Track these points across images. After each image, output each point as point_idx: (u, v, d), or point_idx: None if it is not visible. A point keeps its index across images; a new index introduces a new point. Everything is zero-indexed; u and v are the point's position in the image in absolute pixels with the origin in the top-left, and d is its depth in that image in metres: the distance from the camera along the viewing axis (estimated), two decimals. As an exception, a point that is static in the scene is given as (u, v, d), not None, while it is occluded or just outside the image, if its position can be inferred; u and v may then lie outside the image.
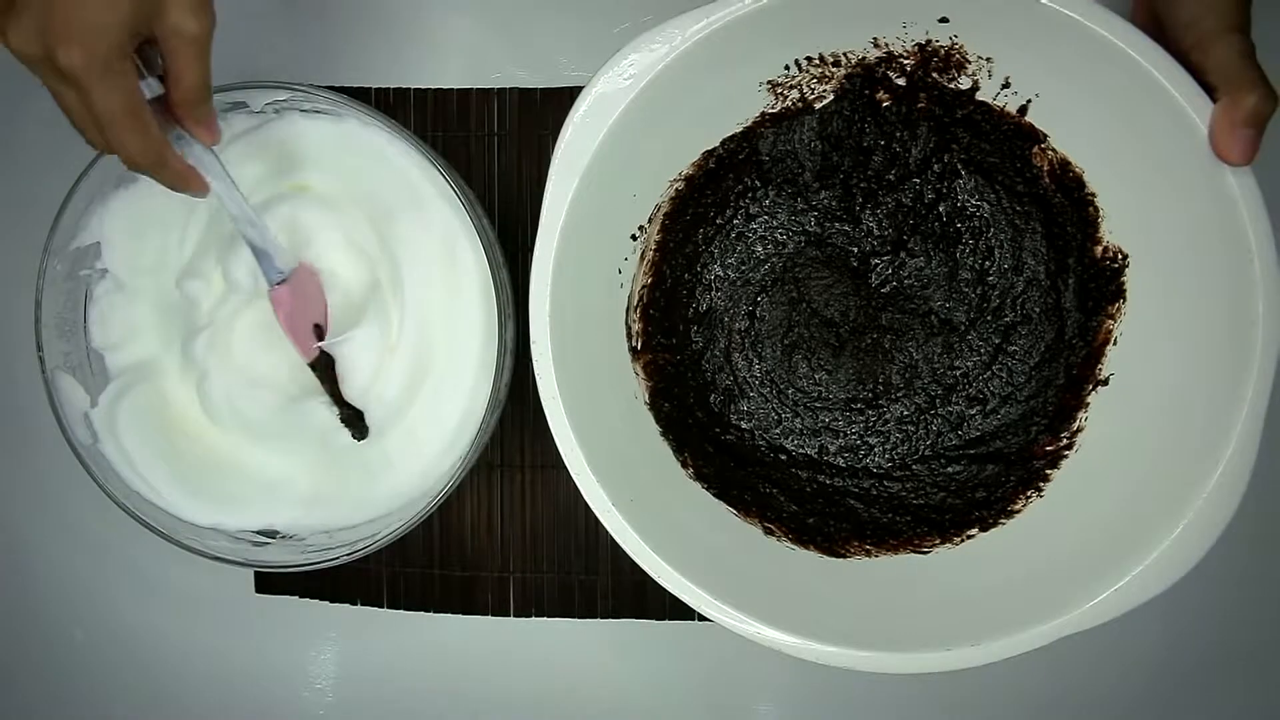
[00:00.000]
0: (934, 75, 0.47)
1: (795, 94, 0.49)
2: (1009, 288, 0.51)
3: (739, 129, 0.50)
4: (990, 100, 0.48)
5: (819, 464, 0.53)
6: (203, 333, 0.52)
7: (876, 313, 0.53)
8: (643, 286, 0.51)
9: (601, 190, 0.45)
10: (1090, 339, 0.49)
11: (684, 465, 0.50)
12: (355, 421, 0.52)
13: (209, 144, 0.44)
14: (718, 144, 0.50)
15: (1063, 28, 0.41)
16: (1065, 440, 0.49)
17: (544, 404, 0.44)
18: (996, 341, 0.52)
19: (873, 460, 0.53)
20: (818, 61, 0.47)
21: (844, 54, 0.47)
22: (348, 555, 0.49)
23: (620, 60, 0.43)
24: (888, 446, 0.53)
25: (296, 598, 0.61)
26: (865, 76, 0.48)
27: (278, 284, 0.49)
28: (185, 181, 0.44)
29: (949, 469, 0.52)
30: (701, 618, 0.44)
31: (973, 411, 0.52)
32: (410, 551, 0.60)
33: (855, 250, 0.53)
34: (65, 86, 0.39)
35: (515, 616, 0.60)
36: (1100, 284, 0.48)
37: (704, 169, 0.50)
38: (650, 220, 0.50)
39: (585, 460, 0.44)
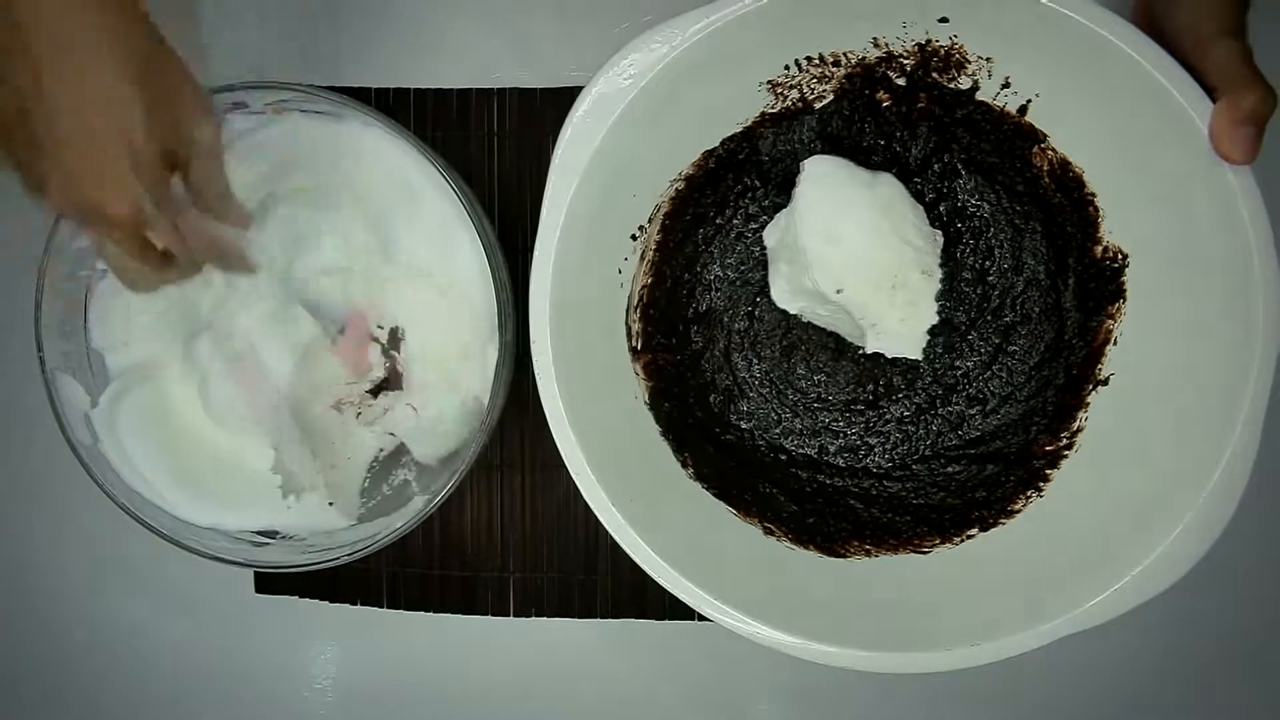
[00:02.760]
0: (934, 75, 0.47)
1: (795, 94, 0.49)
2: (1009, 288, 0.51)
3: (739, 129, 0.50)
4: (990, 100, 0.48)
5: (819, 464, 0.53)
6: (204, 333, 0.52)
7: (876, 313, 0.53)
8: (643, 286, 0.51)
9: (601, 190, 0.45)
10: (1090, 339, 0.49)
11: (684, 465, 0.50)
12: None
13: (245, 229, 0.46)
14: (718, 144, 0.50)
15: (1063, 28, 0.41)
16: (1065, 440, 0.49)
17: (544, 404, 0.44)
18: (996, 341, 0.52)
19: (873, 460, 0.53)
20: (818, 61, 0.47)
21: (844, 54, 0.47)
22: (348, 555, 0.49)
23: (620, 60, 0.43)
24: (888, 446, 0.53)
25: (296, 598, 0.61)
26: (865, 76, 0.48)
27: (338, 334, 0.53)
28: (240, 263, 0.47)
29: (949, 469, 0.52)
30: (701, 618, 0.44)
31: (973, 411, 0.52)
32: (410, 551, 0.60)
33: (855, 250, 0.53)
34: (117, 233, 0.39)
35: (515, 616, 0.60)
36: (1100, 284, 0.48)
37: (704, 169, 0.50)
38: (650, 220, 0.50)
39: (585, 460, 0.44)
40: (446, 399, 0.53)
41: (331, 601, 0.60)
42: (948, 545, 0.49)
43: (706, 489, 0.50)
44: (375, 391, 0.55)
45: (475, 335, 0.52)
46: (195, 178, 0.41)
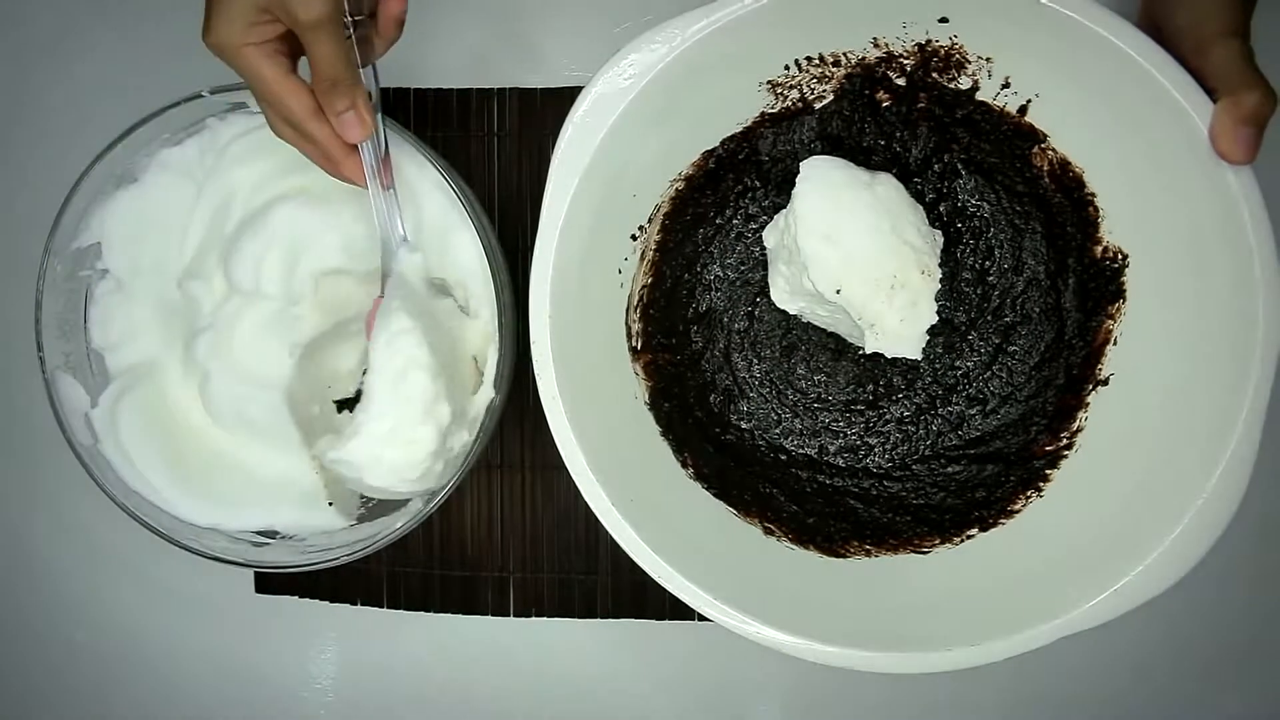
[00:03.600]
0: (934, 75, 0.47)
1: (795, 94, 0.49)
2: (1009, 288, 0.51)
3: (739, 129, 0.50)
4: (990, 100, 0.48)
5: (819, 464, 0.53)
6: (204, 334, 0.52)
7: (876, 313, 0.53)
8: (643, 286, 0.51)
9: (601, 190, 0.45)
10: (1090, 339, 0.49)
11: (684, 465, 0.50)
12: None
13: (350, 139, 0.43)
14: (718, 144, 0.50)
15: (1063, 28, 0.41)
16: (1065, 440, 0.49)
17: (544, 404, 0.44)
18: (997, 341, 0.52)
19: (873, 460, 0.53)
20: (818, 61, 0.47)
21: (844, 54, 0.47)
22: (348, 555, 0.49)
23: (620, 60, 0.43)
24: (888, 446, 0.53)
25: (296, 598, 0.61)
26: (865, 76, 0.48)
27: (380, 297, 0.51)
28: (336, 164, 0.45)
29: (949, 469, 0.52)
30: (701, 618, 0.44)
31: (973, 411, 0.52)
32: (410, 551, 0.60)
33: (855, 250, 0.53)
34: (229, 57, 0.42)
35: (515, 616, 0.60)
36: (1100, 284, 0.48)
37: (704, 169, 0.50)
38: (650, 220, 0.50)
39: (585, 460, 0.44)
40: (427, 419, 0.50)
41: (331, 601, 0.60)
42: (948, 545, 0.49)
43: (706, 489, 0.50)
44: (340, 407, 0.55)
45: (475, 335, 0.52)
46: (307, 55, 0.41)
